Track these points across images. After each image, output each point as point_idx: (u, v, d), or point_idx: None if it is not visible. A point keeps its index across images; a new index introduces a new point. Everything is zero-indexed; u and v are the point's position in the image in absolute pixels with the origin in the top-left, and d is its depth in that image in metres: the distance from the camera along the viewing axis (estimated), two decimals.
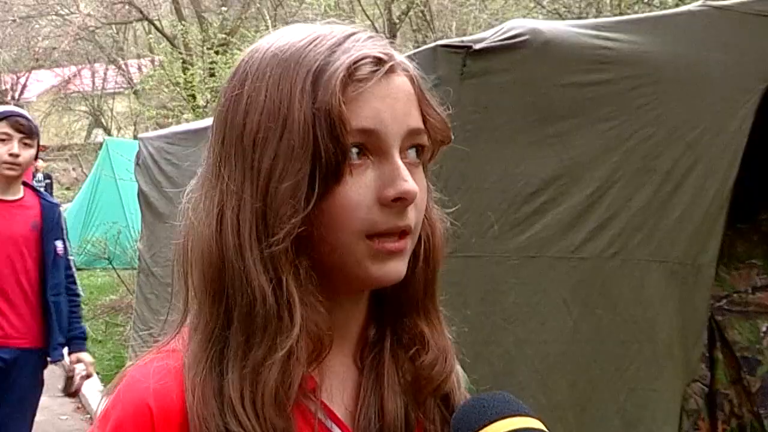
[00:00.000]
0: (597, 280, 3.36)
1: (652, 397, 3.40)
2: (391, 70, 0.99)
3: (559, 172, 3.31)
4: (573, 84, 3.35)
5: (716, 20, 3.53)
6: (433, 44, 3.37)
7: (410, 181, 0.96)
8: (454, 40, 3.41)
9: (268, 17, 14.07)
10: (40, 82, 31.66)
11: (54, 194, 16.49)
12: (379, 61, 0.97)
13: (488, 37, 3.33)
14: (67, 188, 26.20)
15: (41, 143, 4.68)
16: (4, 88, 31.65)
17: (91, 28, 23.97)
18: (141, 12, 21.62)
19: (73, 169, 28.45)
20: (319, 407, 0.99)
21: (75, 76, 30.51)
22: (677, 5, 7.98)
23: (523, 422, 1.03)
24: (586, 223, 3.32)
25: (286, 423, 0.94)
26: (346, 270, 0.97)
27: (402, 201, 0.96)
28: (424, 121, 1.02)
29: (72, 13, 24.73)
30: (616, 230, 3.37)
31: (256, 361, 0.94)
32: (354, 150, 0.96)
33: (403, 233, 0.98)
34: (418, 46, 7.26)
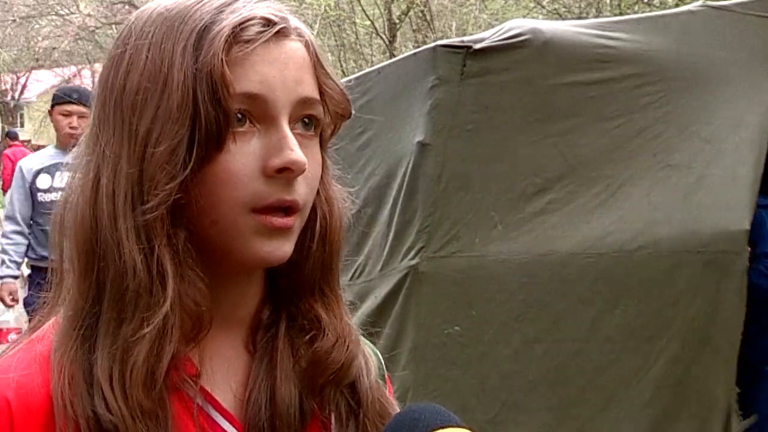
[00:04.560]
0: (619, 276, 3.32)
1: (683, 395, 3.33)
2: (284, 34, 0.92)
3: (564, 170, 3.30)
4: (575, 83, 3.34)
5: (716, 20, 3.53)
6: (433, 44, 3.37)
7: (297, 151, 0.90)
8: (454, 40, 3.41)
9: None
10: (40, 82, 31.67)
11: None
12: (268, 23, 0.91)
13: (488, 37, 3.33)
14: None
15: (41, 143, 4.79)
16: (4, 88, 31.66)
17: (91, 28, 23.99)
18: None
19: None
20: (197, 393, 0.92)
21: (75, 76, 30.52)
22: (677, 5, 7.99)
23: None
24: (601, 218, 3.29)
25: (154, 405, 0.88)
26: (228, 245, 0.92)
27: (288, 171, 0.90)
28: (321, 91, 0.95)
29: (72, 13, 24.75)
30: (639, 224, 3.32)
31: (125, 339, 0.88)
32: (238, 115, 0.90)
33: (290, 209, 0.92)
34: (418, 46, 7.26)
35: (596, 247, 3.27)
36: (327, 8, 12.94)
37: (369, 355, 1.04)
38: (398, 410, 1.05)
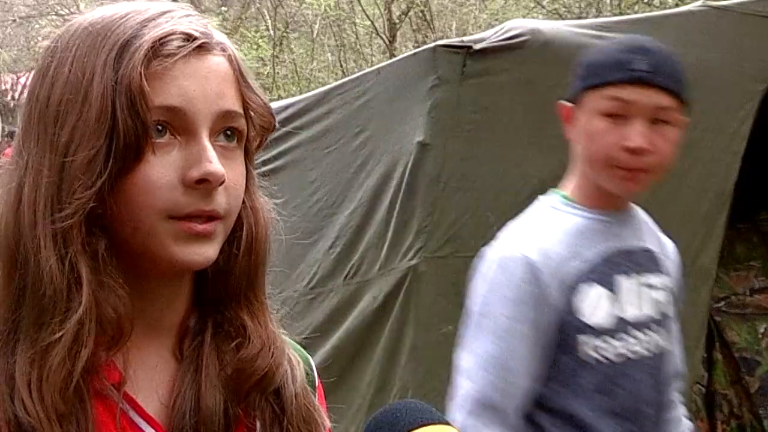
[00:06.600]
0: None
1: None
2: (206, 49, 0.95)
3: (558, 173, 3.31)
4: None
5: (716, 20, 3.53)
6: (433, 44, 3.37)
7: (216, 163, 0.93)
8: (454, 40, 3.41)
9: (268, 17, 14.07)
10: None
11: None
12: (189, 38, 0.94)
13: (488, 37, 3.33)
14: None
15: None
16: (4, 88, 31.65)
17: None
18: None
19: None
20: (120, 399, 0.94)
21: None
22: (677, 5, 7.99)
23: (437, 430, 1.03)
24: None
25: (71, 408, 0.90)
26: (151, 252, 0.94)
27: (206, 183, 0.92)
28: (245, 105, 0.98)
29: (72, 13, 24.74)
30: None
31: (42, 343, 0.91)
32: (158, 128, 0.92)
33: (211, 217, 0.94)
34: (418, 46, 7.26)
35: None
36: (327, 8, 12.93)
37: (297, 362, 1.05)
38: (325, 417, 1.06)
